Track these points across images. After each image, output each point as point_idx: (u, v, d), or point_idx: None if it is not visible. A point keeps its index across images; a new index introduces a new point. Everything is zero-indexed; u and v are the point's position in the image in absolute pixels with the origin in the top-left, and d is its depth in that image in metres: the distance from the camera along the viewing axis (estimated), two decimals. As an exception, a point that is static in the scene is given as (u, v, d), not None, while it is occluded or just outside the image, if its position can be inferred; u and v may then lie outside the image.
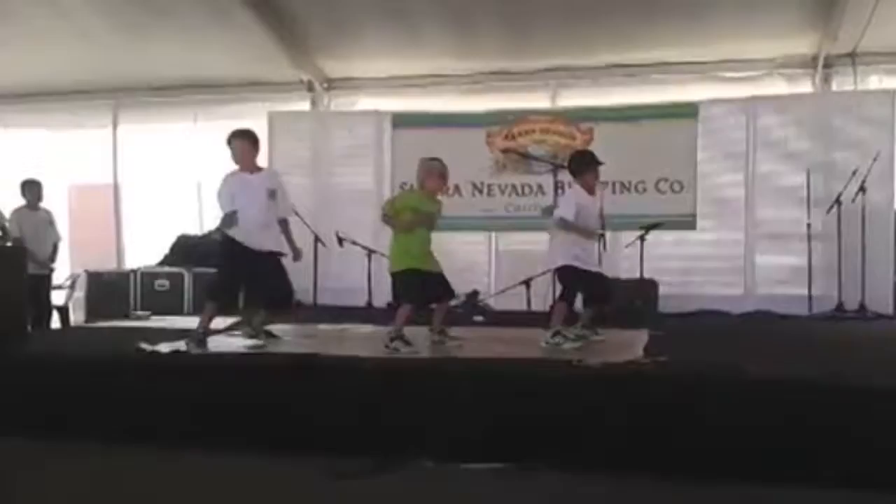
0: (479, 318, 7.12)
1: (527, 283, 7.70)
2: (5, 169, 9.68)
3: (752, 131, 8.33)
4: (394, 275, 5.14)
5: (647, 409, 3.55)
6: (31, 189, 7.80)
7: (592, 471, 3.39)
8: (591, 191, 5.33)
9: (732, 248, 8.40)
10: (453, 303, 7.57)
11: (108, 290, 8.77)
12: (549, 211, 6.72)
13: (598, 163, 5.36)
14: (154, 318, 7.44)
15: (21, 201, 7.77)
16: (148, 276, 8.84)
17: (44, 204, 7.93)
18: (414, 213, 5.09)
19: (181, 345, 4.84)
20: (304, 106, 9.86)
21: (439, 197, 5.34)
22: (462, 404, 3.77)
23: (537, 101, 9.26)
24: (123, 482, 3.48)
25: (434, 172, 5.22)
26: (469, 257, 8.97)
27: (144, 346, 4.80)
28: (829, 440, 3.30)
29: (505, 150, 8.68)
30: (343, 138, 9.39)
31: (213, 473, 3.57)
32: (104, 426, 4.04)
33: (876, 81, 8.58)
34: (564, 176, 7.84)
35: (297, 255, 5.33)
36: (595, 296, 5.33)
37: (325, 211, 8.93)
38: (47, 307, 7.89)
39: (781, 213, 8.24)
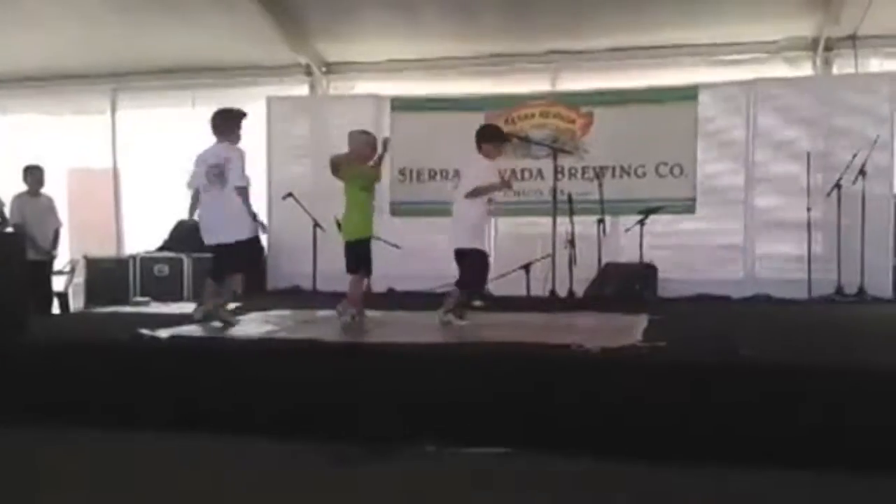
0: (478, 304, 7.10)
1: (526, 267, 7.71)
2: (4, 153, 9.65)
3: (753, 114, 8.29)
4: (358, 242, 5.51)
5: (646, 393, 3.56)
6: (34, 175, 7.77)
7: (591, 454, 3.41)
8: None
9: (732, 231, 8.37)
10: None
11: (107, 275, 8.77)
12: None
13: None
14: (154, 303, 7.44)
15: (22, 186, 7.75)
16: (147, 262, 8.83)
17: (44, 190, 7.91)
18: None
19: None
20: (303, 90, 9.82)
21: None
22: (463, 388, 3.78)
23: (537, 84, 9.20)
24: (123, 466, 3.50)
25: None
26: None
27: (144, 331, 4.81)
28: (826, 423, 3.32)
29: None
30: (341, 123, 9.33)
31: (214, 457, 3.59)
32: (105, 412, 4.06)
33: (877, 64, 8.56)
34: (564, 160, 7.90)
35: None
36: None
37: (324, 196, 8.87)
38: (48, 294, 7.89)
39: (781, 197, 8.19)
